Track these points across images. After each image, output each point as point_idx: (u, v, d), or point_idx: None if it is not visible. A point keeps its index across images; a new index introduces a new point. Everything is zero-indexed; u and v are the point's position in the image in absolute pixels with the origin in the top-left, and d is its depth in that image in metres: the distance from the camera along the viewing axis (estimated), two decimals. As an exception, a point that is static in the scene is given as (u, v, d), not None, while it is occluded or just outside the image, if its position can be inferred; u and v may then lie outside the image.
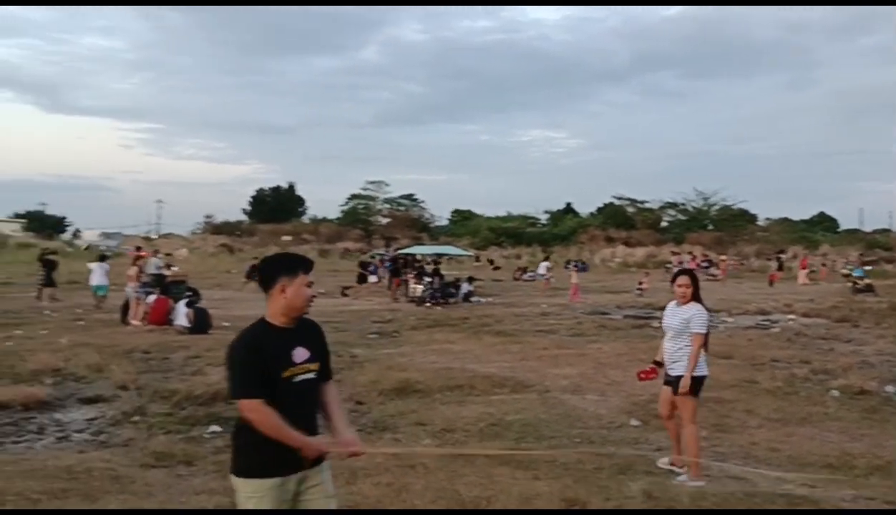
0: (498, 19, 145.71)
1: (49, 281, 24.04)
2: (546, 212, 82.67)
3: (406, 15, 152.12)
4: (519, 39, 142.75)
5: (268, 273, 3.77)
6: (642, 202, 79.12)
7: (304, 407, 3.70)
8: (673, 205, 77.30)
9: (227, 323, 18.13)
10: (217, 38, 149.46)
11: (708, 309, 6.92)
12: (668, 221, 77.10)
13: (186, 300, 17.73)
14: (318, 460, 3.72)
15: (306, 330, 3.82)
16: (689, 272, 7.09)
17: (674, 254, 49.46)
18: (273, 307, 3.73)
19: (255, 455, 3.58)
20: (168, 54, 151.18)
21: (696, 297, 6.82)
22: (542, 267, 37.03)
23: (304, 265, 3.79)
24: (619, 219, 74.17)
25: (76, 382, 10.87)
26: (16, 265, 41.60)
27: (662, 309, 7.23)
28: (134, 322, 18.18)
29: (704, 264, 45.31)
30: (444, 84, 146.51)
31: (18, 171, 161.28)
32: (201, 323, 16.88)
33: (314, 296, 3.78)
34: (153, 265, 23.99)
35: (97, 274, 22.05)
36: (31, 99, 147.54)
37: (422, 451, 7.17)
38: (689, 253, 52.46)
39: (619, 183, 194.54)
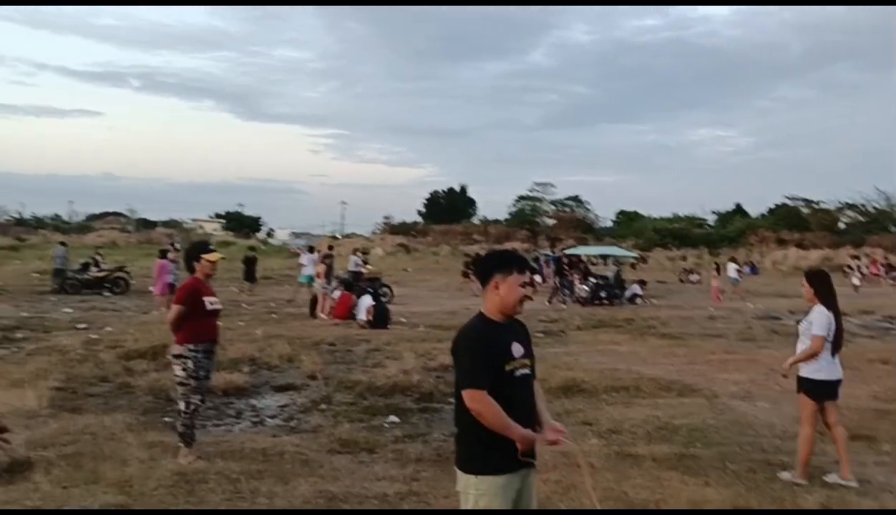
0: (666, 17, 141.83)
1: (249, 277, 25.57)
2: (714, 212, 79.31)
3: (574, 16, 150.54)
4: (687, 36, 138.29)
5: (484, 269, 3.82)
6: (817, 202, 74.14)
7: (525, 400, 3.70)
8: (852, 206, 71.85)
9: (403, 319, 18.65)
10: (396, 46, 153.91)
11: (838, 312, 6.56)
12: (846, 223, 71.84)
13: (371, 295, 18.34)
14: (533, 455, 3.69)
15: (518, 327, 3.85)
16: (815, 274, 6.81)
17: (853, 257, 46.08)
18: (489, 303, 3.76)
19: (487, 453, 3.58)
20: (351, 63, 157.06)
21: (823, 299, 6.53)
22: (732, 270, 30.37)
23: (518, 263, 3.80)
24: (791, 221, 69.90)
25: (269, 371, 11.49)
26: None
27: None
28: (321, 315, 19.00)
29: (886, 268, 42.05)
30: (612, 84, 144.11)
31: (219, 175, 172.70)
32: (381, 318, 17.44)
33: (527, 296, 3.77)
34: (352, 263, 24.85)
35: (309, 265, 22.88)
36: (229, 107, 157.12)
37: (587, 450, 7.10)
38: (869, 256, 48.88)
39: (791, 182, 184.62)
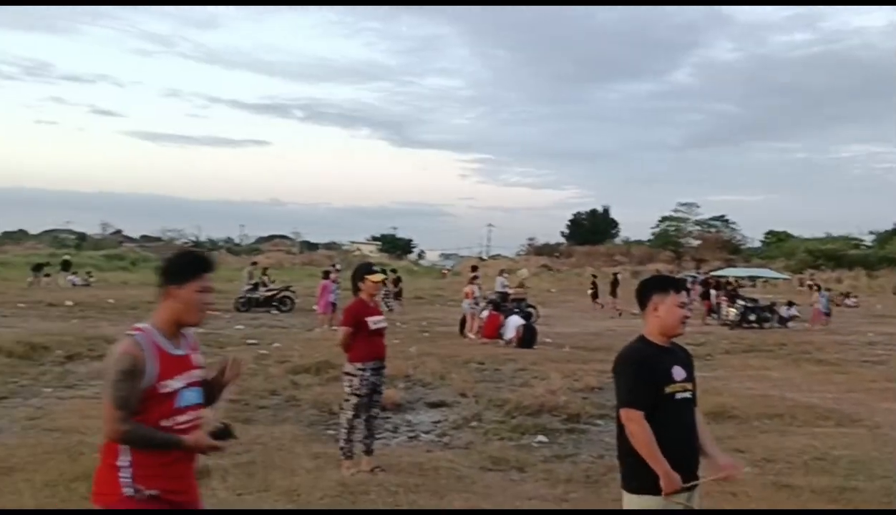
0: (816, 31, 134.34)
1: (396, 296, 26.32)
2: (871, 232, 74.31)
3: (719, 33, 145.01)
4: (839, 50, 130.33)
5: (642, 293, 3.81)
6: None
7: (684, 424, 3.65)
8: None
9: (549, 340, 18.52)
10: (539, 71, 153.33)
11: None
12: None
13: (518, 315, 18.34)
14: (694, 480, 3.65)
15: (679, 351, 3.80)
16: None
17: None
18: (649, 326, 3.75)
19: (649, 471, 3.53)
20: (498, 89, 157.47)
21: None
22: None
23: (675, 285, 3.78)
24: (958, 239, 64.49)
25: (423, 387, 11.67)
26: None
27: None
28: (470, 335, 19.15)
29: None
30: (759, 102, 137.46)
31: (375, 199, 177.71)
32: (528, 338, 17.39)
33: (687, 316, 3.73)
34: (499, 284, 24.97)
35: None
36: (384, 135, 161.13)
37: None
38: None
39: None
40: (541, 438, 8.67)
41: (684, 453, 3.61)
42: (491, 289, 24.71)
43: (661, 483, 3.51)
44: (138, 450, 3.10)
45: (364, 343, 7.05)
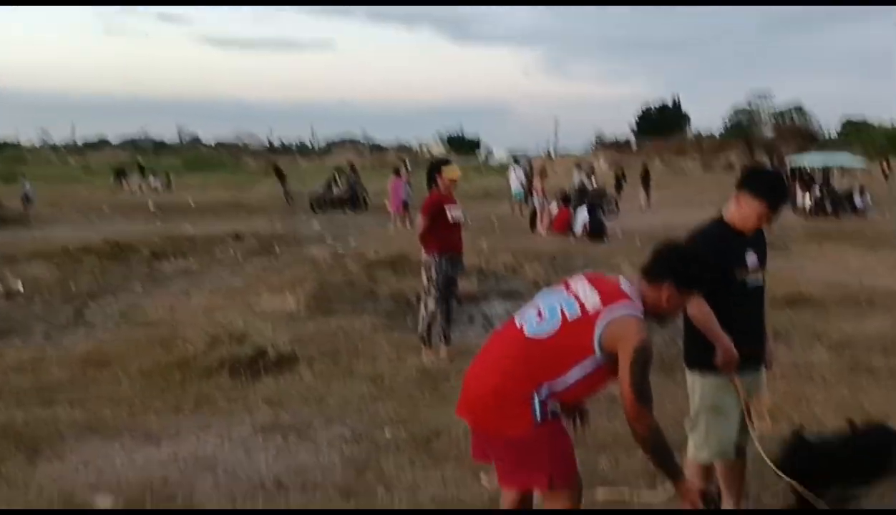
0: None
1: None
2: (954, 118, 70.32)
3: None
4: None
5: (743, 180, 3.70)
6: None
7: (752, 312, 3.64)
8: None
9: (619, 233, 18.32)
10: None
11: None
12: None
13: (587, 209, 18.13)
14: (760, 362, 3.71)
15: (758, 239, 3.72)
16: None
17: None
18: (731, 212, 3.68)
19: (707, 350, 3.57)
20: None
21: None
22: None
23: (775, 202, 3.63)
24: None
25: (496, 279, 11.72)
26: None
27: None
28: (540, 229, 19.08)
29: None
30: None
31: (440, 98, 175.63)
32: (597, 231, 17.23)
33: (759, 226, 3.66)
34: (576, 178, 24.66)
35: (514, 180, 23.04)
36: (446, 32, 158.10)
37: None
38: None
39: None
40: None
41: (749, 340, 3.60)
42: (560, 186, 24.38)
43: (719, 356, 3.52)
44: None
45: (442, 235, 7.12)
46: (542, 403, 2.98)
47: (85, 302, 10.32)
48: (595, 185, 25.49)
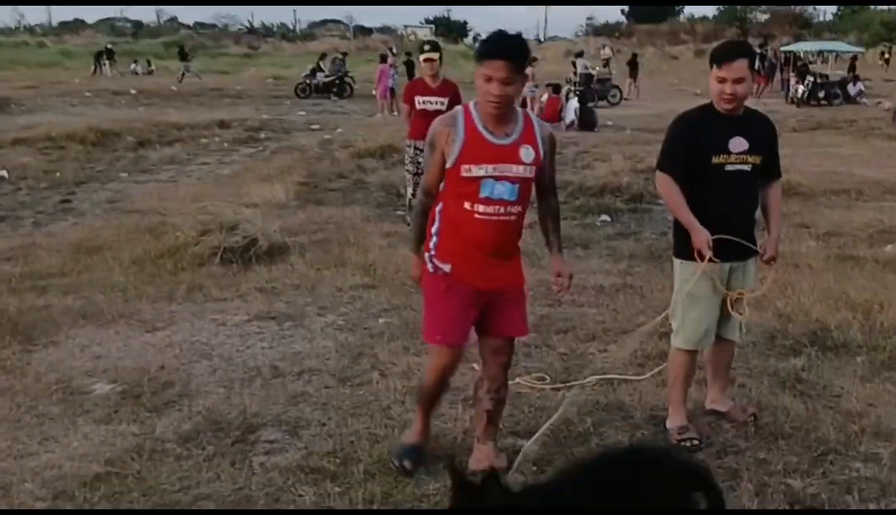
0: None
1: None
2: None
3: None
4: None
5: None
6: None
7: (734, 198, 3.56)
8: None
9: (610, 122, 18.15)
10: None
11: None
12: None
13: (577, 98, 17.90)
14: (747, 252, 3.65)
15: (752, 123, 3.63)
16: None
17: None
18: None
19: (687, 238, 3.56)
20: None
21: None
22: None
23: (716, 58, 3.54)
24: None
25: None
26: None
27: None
28: (529, 118, 18.81)
29: None
30: None
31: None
32: (588, 121, 17.06)
33: (728, 93, 3.49)
34: (580, 65, 24.14)
35: None
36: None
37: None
38: None
39: None
40: (604, 217, 8.71)
41: (726, 227, 3.52)
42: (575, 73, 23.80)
43: (692, 239, 3.52)
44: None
45: (417, 121, 7.13)
46: (431, 256, 3.29)
47: (72, 190, 10.23)
48: (602, 72, 25.02)
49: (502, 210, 3.14)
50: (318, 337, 5.12)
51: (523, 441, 3.60)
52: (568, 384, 4.24)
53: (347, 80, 26.84)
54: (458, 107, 3.27)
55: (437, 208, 3.26)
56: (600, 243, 7.61)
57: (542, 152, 3.19)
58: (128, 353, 4.89)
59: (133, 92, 25.91)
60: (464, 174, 3.10)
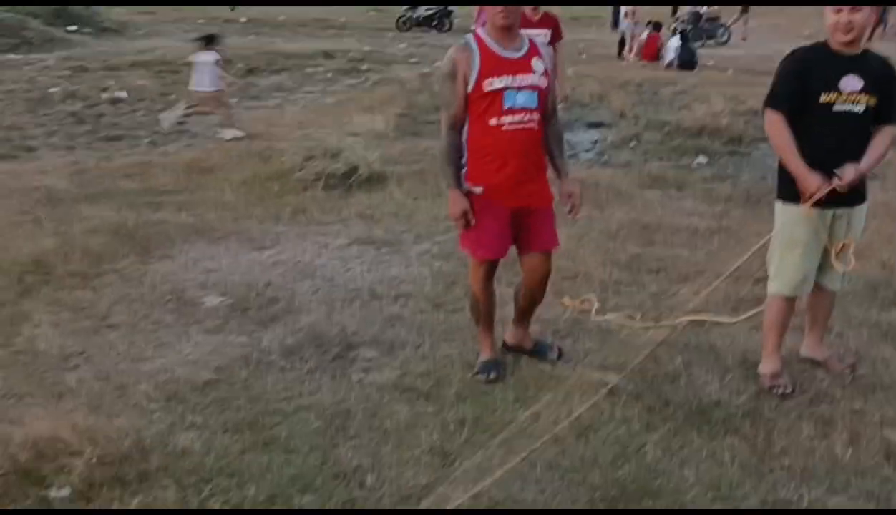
0: None
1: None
2: None
3: None
4: None
5: None
6: None
7: (843, 139, 3.33)
8: None
9: (711, 62, 17.35)
10: None
11: None
12: None
13: (679, 36, 17.14)
14: (854, 198, 3.41)
15: (868, 62, 3.37)
16: None
17: None
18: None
19: (792, 182, 3.38)
20: None
21: None
22: None
23: None
24: None
25: (582, 108, 11.35)
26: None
27: None
28: (628, 56, 18.22)
29: None
30: None
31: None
32: (688, 60, 16.36)
33: (844, 22, 3.25)
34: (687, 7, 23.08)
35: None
36: None
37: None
38: None
39: None
40: (701, 159, 8.40)
41: (831, 168, 3.29)
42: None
43: (799, 185, 3.32)
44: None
45: None
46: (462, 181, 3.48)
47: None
48: (712, 11, 23.83)
49: (527, 117, 3.36)
50: (415, 263, 5.15)
51: (612, 375, 3.55)
52: (659, 324, 4.13)
53: (448, 14, 26.45)
54: (468, 35, 3.50)
55: (463, 139, 3.44)
56: (696, 185, 7.34)
57: (549, 67, 3.44)
58: (237, 269, 5.04)
59: (243, 20, 26.22)
60: (486, 88, 3.31)
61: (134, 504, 2.72)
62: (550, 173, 3.65)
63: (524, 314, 3.79)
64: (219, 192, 6.70)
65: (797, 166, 3.31)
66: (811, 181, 3.28)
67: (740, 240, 5.69)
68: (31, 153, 8.48)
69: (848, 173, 3.27)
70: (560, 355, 3.81)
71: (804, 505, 2.79)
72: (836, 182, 3.27)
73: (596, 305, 4.12)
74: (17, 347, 3.96)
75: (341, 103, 11.39)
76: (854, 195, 3.39)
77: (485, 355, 3.69)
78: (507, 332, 3.88)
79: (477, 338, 3.77)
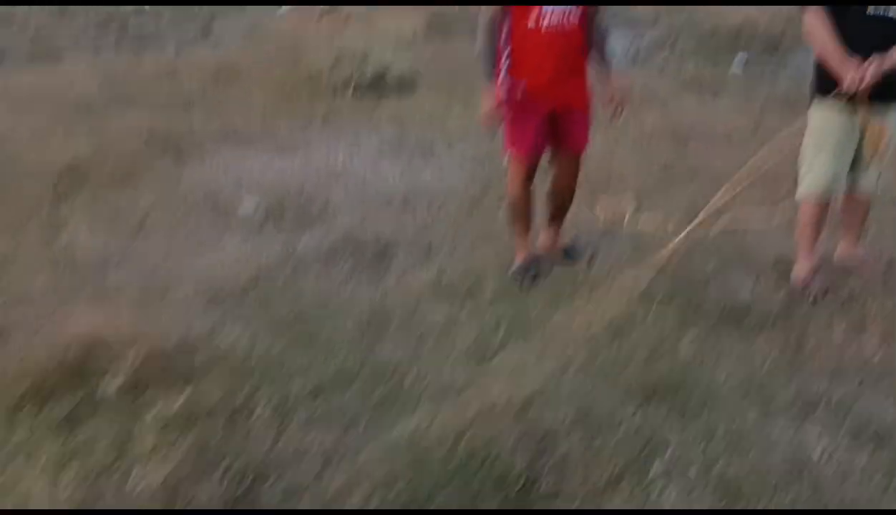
0: None
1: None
2: None
3: None
4: None
5: None
6: None
7: (876, 44, 3.26)
8: None
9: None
10: None
11: None
12: None
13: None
14: (888, 93, 3.34)
15: None
16: None
17: None
18: None
19: (828, 76, 3.35)
20: None
21: None
22: None
23: None
24: None
25: (616, 6, 10.95)
26: None
27: None
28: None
29: None
30: None
31: None
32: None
33: None
34: None
35: None
36: None
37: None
38: None
39: None
40: (738, 61, 8.17)
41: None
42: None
43: (836, 73, 3.28)
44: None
45: None
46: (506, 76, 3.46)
47: (211, 18, 10.32)
48: None
49: (565, 20, 3.37)
50: (447, 167, 5.15)
51: (645, 278, 3.57)
52: (692, 224, 4.12)
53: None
54: None
55: (503, 38, 3.43)
56: (732, 88, 7.19)
57: None
58: (270, 173, 5.05)
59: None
60: None
61: (182, 399, 2.79)
62: (593, 76, 3.61)
63: (554, 217, 3.88)
64: (247, 97, 6.66)
65: (835, 52, 3.28)
66: (849, 66, 3.25)
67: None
68: (58, 60, 8.43)
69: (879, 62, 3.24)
70: (593, 258, 3.84)
71: (833, 401, 2.85)
72: (872, 68, 3.22)
73: (633, 206, 4.12)
74: (58, 251, 4.04)
75: (370, 8, 11.12)
76: (889, 90, 3.33)
77: (520, 259, 3.75)
78: (539, 236, 3.94)
79: (513, 242, 3.80)
